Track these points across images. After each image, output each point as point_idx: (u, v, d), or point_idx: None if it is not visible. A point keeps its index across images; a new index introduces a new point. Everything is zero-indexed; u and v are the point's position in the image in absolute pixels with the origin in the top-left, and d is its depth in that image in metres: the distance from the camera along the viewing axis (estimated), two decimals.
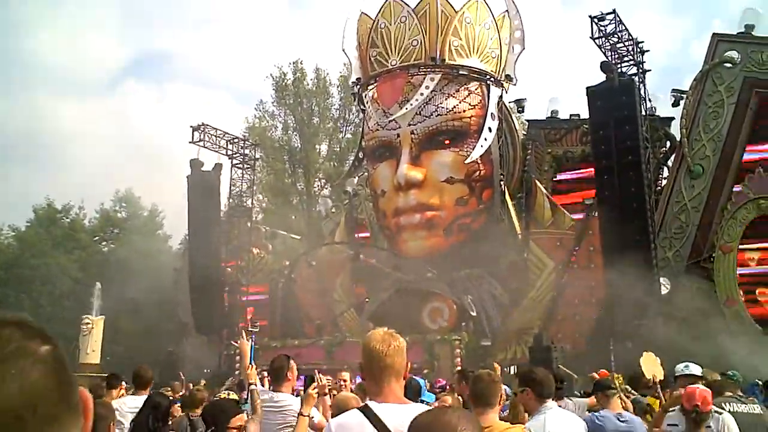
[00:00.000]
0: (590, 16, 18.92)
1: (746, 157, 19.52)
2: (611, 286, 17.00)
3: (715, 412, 4.76)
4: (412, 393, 5.69)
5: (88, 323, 28.27)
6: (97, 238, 44.81)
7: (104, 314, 28.60)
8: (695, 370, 5.18)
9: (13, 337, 0.78)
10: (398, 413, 2.33)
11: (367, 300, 23.96)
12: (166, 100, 72.26)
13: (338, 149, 41.77)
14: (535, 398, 4.15)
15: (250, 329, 6.29)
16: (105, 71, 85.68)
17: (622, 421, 5.48)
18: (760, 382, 10.37)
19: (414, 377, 6.40)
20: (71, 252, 40.30)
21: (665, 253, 18.76)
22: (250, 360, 6.14)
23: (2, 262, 39.98)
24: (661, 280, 17.67)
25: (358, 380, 7.22)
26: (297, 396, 5.53)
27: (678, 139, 20.58)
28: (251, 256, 28.51)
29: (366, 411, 2.44)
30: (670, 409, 5.20)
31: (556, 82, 61.83)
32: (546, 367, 13.72)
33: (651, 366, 8.89)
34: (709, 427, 4.66)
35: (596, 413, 5.67)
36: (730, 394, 5.65)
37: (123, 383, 7.89)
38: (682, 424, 4.67)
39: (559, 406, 4.70)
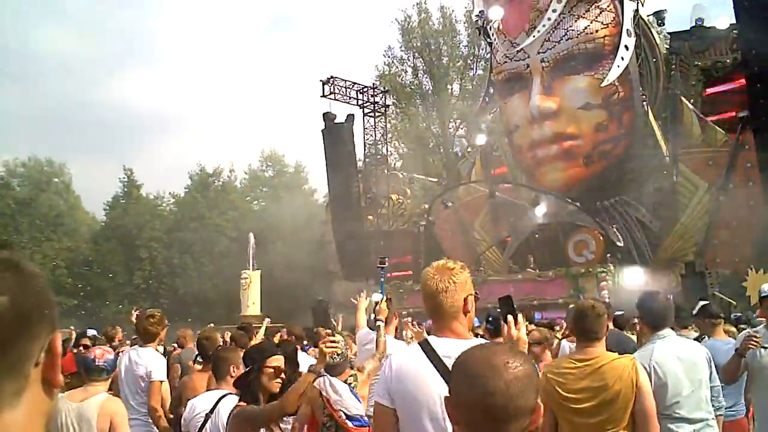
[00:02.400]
0: None
1: None
2: None
3: None
4: None
5: (246, 278, 29.94)
6: (248, 197, 47.17)
7: (260, 268, 30.11)
8: None
9: None
10: (452, 346, 2.36)
11: (508, 237, 23.54)
12: (299, 57, 73.89)
13: (470, 87, 40.90)
14: (647, 328, 4.11)
15: (378, 265, 6.34)
16: (241, 36, 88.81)
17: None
18: None
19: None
20: (225, 213, 42.68)
21: None
22: (381, 293, 6.11)
23: (165, 227, 43.11)
24: None
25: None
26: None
27: None
28: (391, 202, 28.82)
29: (423, 344, 2.51)
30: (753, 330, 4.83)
31: None
32: (701, 295, 12.90)
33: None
34: None
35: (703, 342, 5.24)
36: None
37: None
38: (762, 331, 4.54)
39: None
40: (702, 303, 6.23)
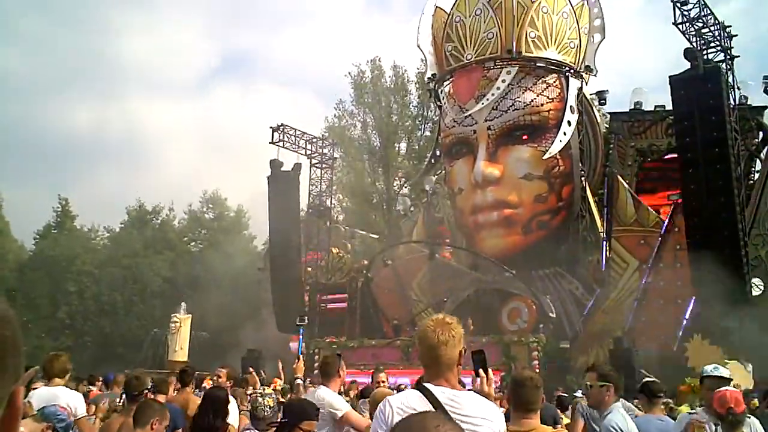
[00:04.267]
0: (672, 1, 17.88)
1: None
2: (698, 287, 16.07)
3: (746, 416, 4.56)
4: None
5: (176, 321, 29.17)
6: (186, 238, 46.31)
7: (192, 313, 29.41)
8: (724, 372, 4.87)
9: None
10: (449, 393, 2.56)
11: (445, 300, 23.67)
12: (249, 101, 74.01)
13: (417, 147, 41.54)
14: (614, 395, 4.39)
15: (297, 323, 6.39)
16: (192, 73, 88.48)
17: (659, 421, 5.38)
18: None
19: None
20: (161, 252, 41.75)
21: (758, 251, 17.58)
22: (299, 353, 6.17)
23: (97, 260, 41.83)
24: (754, 280, 16.56)
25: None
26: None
27: None
28: (331, 255, 28.70)
29: (421, 389, 2.64)
30: (691, 410, 5.32)
31: (640, 72, 59.64)
32: (628, 371, 13.19)
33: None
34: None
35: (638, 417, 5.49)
36: None
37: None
38: (702, 415, 4.59)
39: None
40: (645, 380, 6.47)
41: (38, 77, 75.41)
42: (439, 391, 2.57)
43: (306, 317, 6.95)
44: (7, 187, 56.26)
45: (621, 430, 4.11)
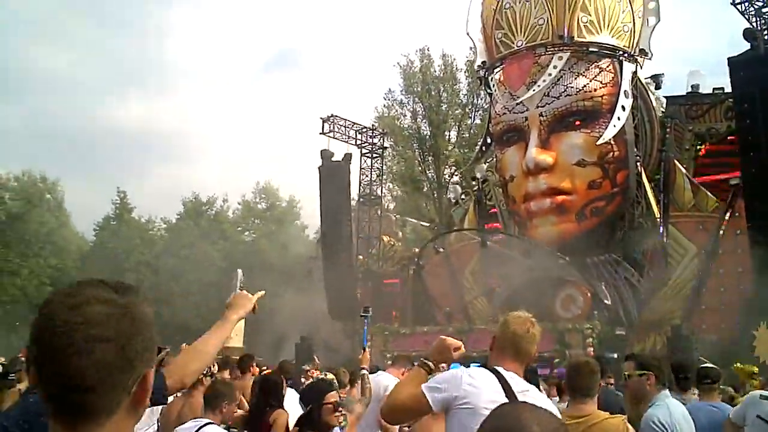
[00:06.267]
0: None
1: None
2: (760, 273, 15.66)
3: None
4: None
5: None
6: (239, 228, 47.11)
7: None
8: None
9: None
10: (520, 382, 2.60)
11: (497, 288, 23.59)
12: (300, 92, 74.57)
13: (467, 135, 41.34)
14: (655, 384, 4.07)
15: (362, 314, 6.44)
16: (244, 66, 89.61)
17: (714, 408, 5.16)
18: None
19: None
20: (216, 242, 42.56)
21: None
22: (363, 343, 6.19)
23: (155, 251, 42.88)
24: None
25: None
26: None
27: None
28: (382, 243, 28.88)
29: (495, 372, 2.61)
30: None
31: (697, 54, 58.09)
32: (685, 359, 12.96)
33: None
34: None
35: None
36: None
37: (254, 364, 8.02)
38: None
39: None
40: (702, 366, 6.27)
41: (94, 77, 77.54)
42: (513, 379, 2.58)
43: (370, 308, 7.00)
44: (68, 181, 58.13)
45: (663, 425, 3.71)
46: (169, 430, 4.18)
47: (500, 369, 2.64)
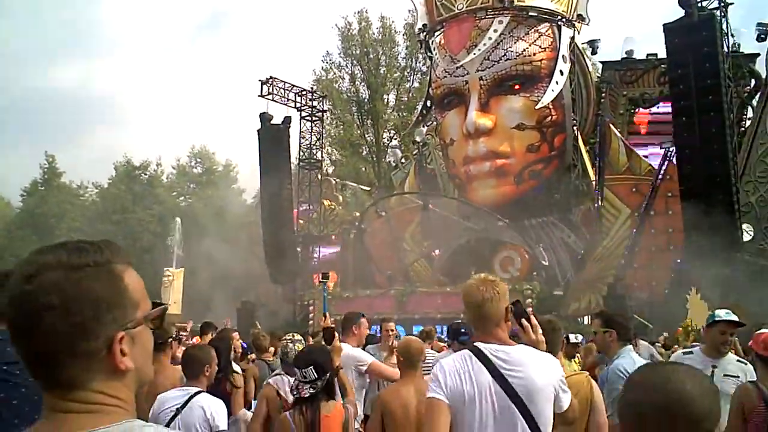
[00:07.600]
0: None
1: None
2: (690, 234, 16.32)
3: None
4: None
5: (168, 275, 29.30)
6: (174, 193, 46.11)
7: (183, 266, 29.50)
8: (734, 317, 4.83)
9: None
10: (497, 348, 2.58)
11: (437, 251, 23.87)
12: (237, 54, 72.91)
13: (406, 99, 41.34)
14: (617, 341, 4.24)
15: (320, 281, 6.53)
16: (179, 28, 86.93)
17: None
18: None
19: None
20: (150, 207, 41.59)
21: (748, 197, 17.78)
22: (323, 310, 6.31)
23: (87, 218, 41.64)
24: (744, 226, 16.81)
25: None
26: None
27: (764, 76, 19.39)
28: (322, 207, 28.76)
29: (472, 349, 2.63)
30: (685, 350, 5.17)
31: (632, 20, 59.29)
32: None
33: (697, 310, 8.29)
34: None
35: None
36: None
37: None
38: (699, 355, 4.53)
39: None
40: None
41: (24, 41, 73.96)
42: (489, 349, 2.57)
43: (329, 274, 7.04)
44: None
45: (628, 373, 3.75)
46: (144, 397, 4.04)
47: (478, 344, 2.63)
